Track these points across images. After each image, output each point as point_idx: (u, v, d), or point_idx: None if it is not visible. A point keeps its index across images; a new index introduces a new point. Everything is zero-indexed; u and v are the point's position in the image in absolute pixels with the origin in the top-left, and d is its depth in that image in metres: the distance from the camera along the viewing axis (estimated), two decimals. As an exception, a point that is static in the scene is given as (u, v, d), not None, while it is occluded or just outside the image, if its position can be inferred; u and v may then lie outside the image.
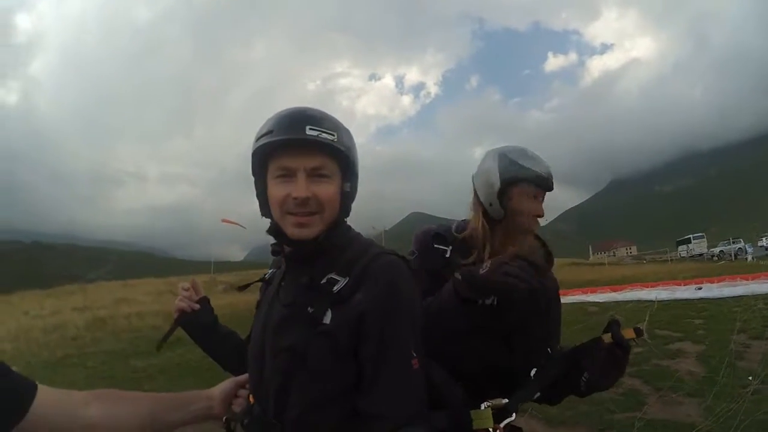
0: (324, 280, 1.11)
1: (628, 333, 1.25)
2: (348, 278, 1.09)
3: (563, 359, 1.32)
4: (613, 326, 1.27)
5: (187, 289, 1.57)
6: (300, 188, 1.08)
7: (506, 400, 1.26)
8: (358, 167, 1.20)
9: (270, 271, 1.36)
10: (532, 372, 1.36)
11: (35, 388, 0.96)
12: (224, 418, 1.28)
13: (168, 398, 1.21)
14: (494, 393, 1.31)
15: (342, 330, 1.05)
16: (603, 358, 1.25)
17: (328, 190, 1.11)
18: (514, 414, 1.24)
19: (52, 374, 8.27)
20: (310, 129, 1.07)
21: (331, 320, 1.06)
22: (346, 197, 1.18)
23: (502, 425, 1.22)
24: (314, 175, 1.10)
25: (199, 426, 1.28)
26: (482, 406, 1.23)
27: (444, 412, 1.18)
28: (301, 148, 1.09)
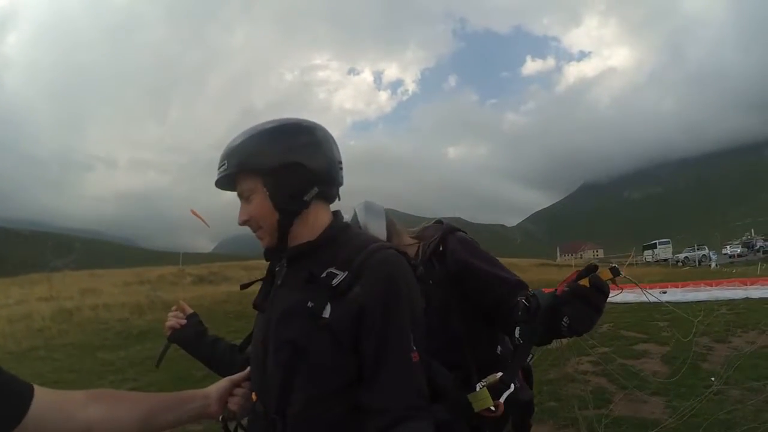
0: (324, 275, 1.12)
1: (605, 274, 1.24)
2: (347, 272, 1.10)
3: (545, 313, 1.29)
4: (590, 271, 1.26)
5: (175, 310, 1.73)
6: (239, 216, 1.22)
7: (500, 374, 1.24)
8: (275, 162, 1.15)
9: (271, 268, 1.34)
10: (517, 331, 1.35)
11: (32, 390, 0.95)
12: (221, 417, 1.29)
13: (164, 398, 1.21)
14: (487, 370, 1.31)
15: (341, 323, 1.06)
16: (582, 302, 1.23)
17: (253, 207, 1.19)
18: (512, 385, 1.22)
19: (18, 366, 7.95)
20: (217, 173, 1.20)
21: (330, 314, 1.07)
22: (276, 197, 1.17)
23: (502, 399, 1.21)
24: (243, 198, 1.21)
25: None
26: (477, 387, 1.22)
27: (444, 404, 1.18)
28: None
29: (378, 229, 1.81)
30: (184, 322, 1.69)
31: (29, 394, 0.94)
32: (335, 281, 1.10)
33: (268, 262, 1.28)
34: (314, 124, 1.24)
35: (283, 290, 1.20)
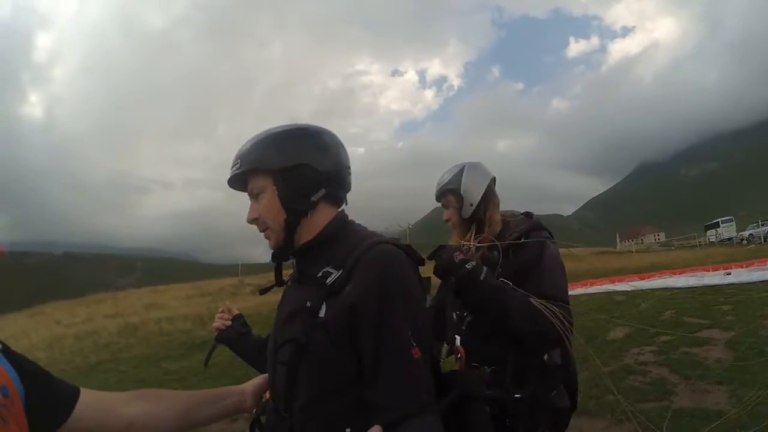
0: (320, 274, 1.14)
1: None
2: (342, 270, 1.12)
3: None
4: None
5: (221, 312, 1.83)
6: (248, 214, 1.24)
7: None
8: (285, 162, 1.18)
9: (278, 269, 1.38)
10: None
11: (78, 391, 1.06)
12: (255, 411, 1.34)
13: (203, 394, 1.30)
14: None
15: (336, 322, 1.08)
16: None
17: (262, 205, 1.22)
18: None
19: (85, 379, 8.46)
20: (230, 171, 1.23)
21: (325, 313, 1.10)
22: (285, 196, 1.19)
23: None
24: (253, 196, 1.24)
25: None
26: None
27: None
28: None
29: (474, 191, 1.89)
30: (229, 323, 1.79)
31: (75, 394, 1.06)
32: (329, 280, 1.12)
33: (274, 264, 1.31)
34: (322, 128, 1.27)
35: (291, 290, 1.26)
